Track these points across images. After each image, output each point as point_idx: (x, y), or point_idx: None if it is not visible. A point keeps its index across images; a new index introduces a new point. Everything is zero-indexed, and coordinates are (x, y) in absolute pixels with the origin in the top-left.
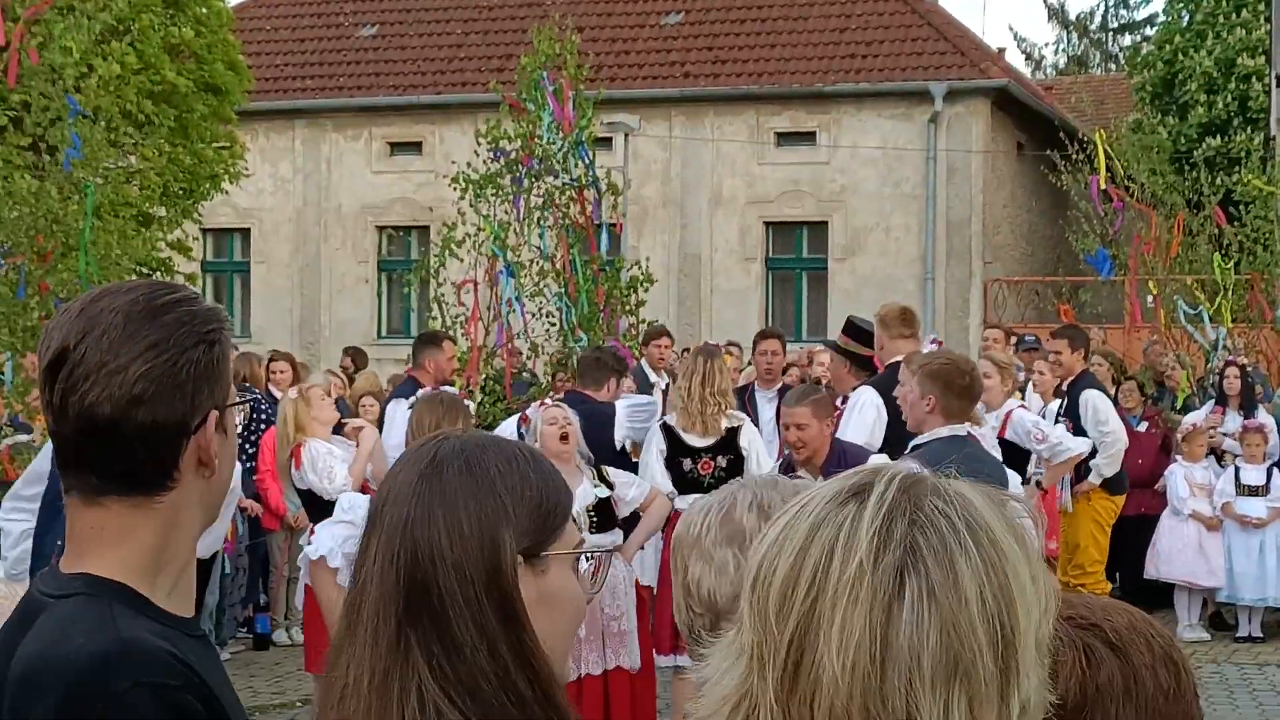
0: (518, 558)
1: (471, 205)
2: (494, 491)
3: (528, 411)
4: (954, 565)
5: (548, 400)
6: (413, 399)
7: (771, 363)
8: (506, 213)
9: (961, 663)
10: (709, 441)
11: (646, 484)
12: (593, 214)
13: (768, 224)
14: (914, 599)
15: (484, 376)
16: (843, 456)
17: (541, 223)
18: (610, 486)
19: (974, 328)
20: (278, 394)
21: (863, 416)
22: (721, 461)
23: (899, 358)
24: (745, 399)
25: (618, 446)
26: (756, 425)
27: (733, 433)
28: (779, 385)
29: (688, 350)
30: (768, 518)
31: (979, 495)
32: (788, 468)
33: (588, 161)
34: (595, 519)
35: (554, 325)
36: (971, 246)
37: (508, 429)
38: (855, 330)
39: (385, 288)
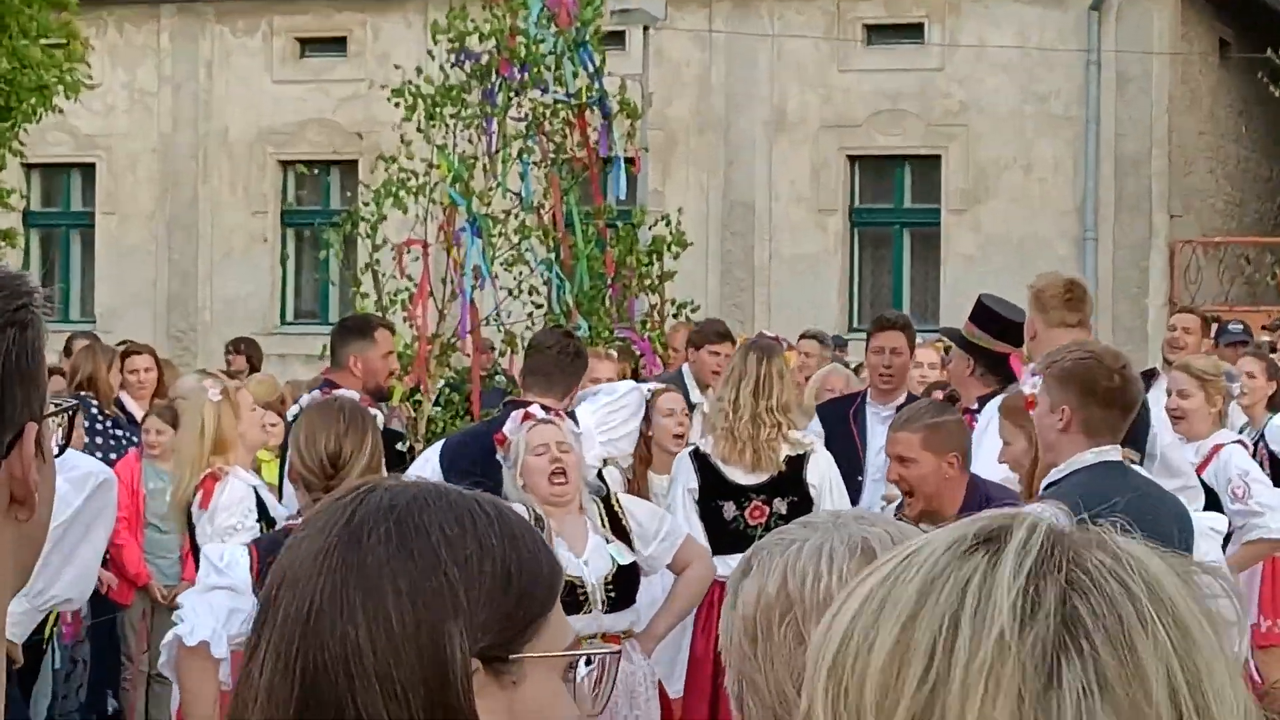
0: (473, 663)
1: (421, 131)
2: (437, 567)
3: (505, 428)
4: (1133, 645)
5: (533, 410)
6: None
7: (892, 364)
8: (472, 143)
9: None
10: (761, 478)
11: (679, 529)
12: (598, 145)
13: (852, 159)
14: (1078, 690)
15: (439, 382)
16: (985, 505)
17: (524, 157)
18: (626, 536)
19: (1154, 310)
20: (134, 407)
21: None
22: (780, 506)
23: None
24: (852, 416)
25: (590, 474)
26: (862, 450)
27: (796, 464)
28: (903, 398)
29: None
30: None
31: (1155, 556)
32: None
33: (592, 69)
34: (614, 593)
35: (540, 307)
36: (1152, 192)
37: (426, 465)
38: (987, 315)
39: (293, 251)
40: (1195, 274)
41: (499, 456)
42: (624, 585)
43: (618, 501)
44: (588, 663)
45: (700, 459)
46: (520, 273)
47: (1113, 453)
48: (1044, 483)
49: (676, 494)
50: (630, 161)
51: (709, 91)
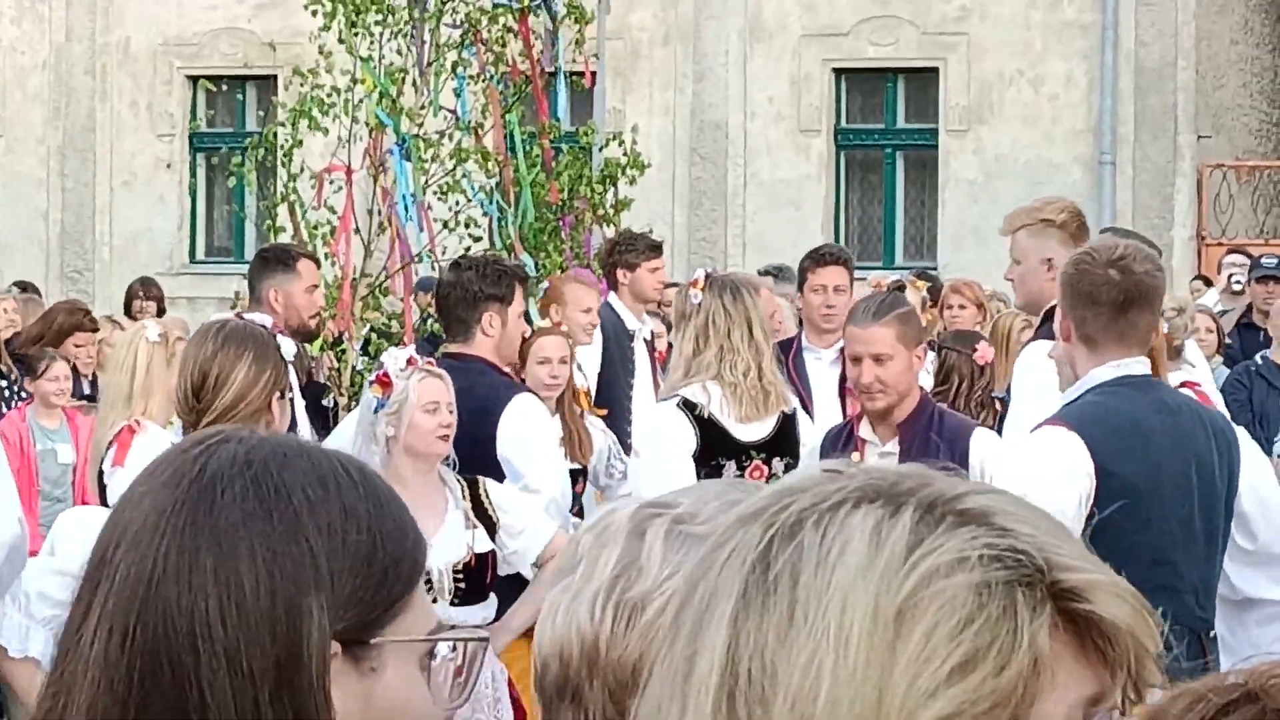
0: (332, 644)
1: (342, 41)
2: (298, 533)
3: (390, 369)
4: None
5: (420, 359)
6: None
7: (835, 304)
8: (401, 54)
9: None
10: (762, 433)
11: (550, 525)
12: (543, 58)
13: (839, 72)
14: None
15: (364, 326)
16: (937, 420)
17: (460, 71)
18: (490, 524)
19: (1181, 242)
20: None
21: (1037, 378)
22: (778, 467)
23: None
24: (790, 360)
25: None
26: (809, 400)
27: (791, 420)
28: (840, 340)
29: (696, 284)
30: None
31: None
32: (842, 435)
33: None
34: (463, 583)
35: (478, 240)
36: (1177, 110)
37: (343, 436)
38: None
39: (203, 179)
40: (1226, 202)
41: (371, 397)
42: (477, 576)
43: (485, 489)
44: (450, 650)
45: (695, 415)
46: (456, 201)
47: (1133, 365)
48: (1063, 404)
49: (660, 451)
50: (580, 76)
51: None
